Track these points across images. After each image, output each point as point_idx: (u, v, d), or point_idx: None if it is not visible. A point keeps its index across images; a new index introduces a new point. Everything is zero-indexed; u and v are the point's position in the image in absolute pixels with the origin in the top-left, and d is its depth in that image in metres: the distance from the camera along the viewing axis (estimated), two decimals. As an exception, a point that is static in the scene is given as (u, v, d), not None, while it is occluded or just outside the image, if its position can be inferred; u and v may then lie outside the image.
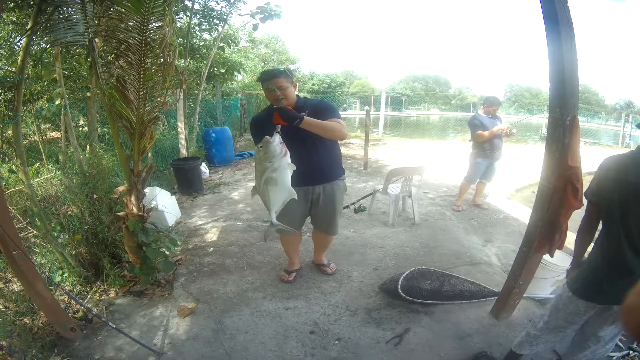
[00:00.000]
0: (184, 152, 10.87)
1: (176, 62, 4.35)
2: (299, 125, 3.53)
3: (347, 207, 6.88)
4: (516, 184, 10.67)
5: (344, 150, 4.19)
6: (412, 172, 7.09)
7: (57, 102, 6.23)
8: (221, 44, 13.42)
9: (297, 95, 4.07)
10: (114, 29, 4.13)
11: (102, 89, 4.31)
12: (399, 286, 4.50)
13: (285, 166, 3.29)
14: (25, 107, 7.13)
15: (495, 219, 7.62)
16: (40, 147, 6.54)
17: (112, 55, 4.40)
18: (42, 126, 8.80)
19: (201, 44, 13.90)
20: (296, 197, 3.51)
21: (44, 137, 10.70)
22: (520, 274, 4.07)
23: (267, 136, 3.19)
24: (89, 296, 4.77)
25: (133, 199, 4.78)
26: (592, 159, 12.99)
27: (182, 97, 10.92)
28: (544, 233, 3.77)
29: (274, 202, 3.41)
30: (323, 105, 4.12)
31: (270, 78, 3.87)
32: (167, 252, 5.11)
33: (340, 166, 4.50)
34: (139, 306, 4.66)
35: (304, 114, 3.64)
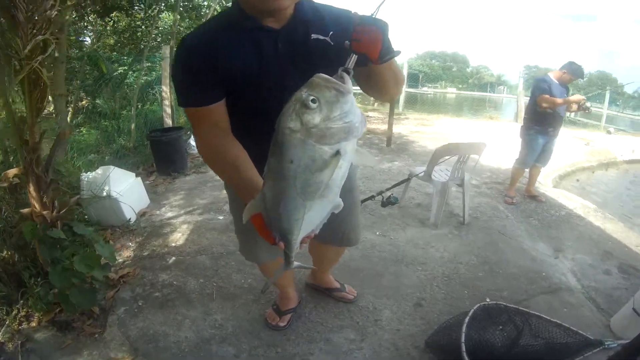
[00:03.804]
0: (169, 122, 9.23)
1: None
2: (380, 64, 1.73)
3: (372, 197, 5.11)
4: (557, 169, 9.24)
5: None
6: (468, 150, 5.34)
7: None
8: (224, 2, 11.81)
9: None
10: None
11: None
12: (463, 347, 2.83)
13: (353, 153, 1.55)
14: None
15: (557, 216, 6.10)
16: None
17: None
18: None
19: (204, 3, 12.36)
20: (338, 210, 1.73)
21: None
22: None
23: (326, 78, 1.38)
24: (7, 323, 3.44)
25: (32, 189, 3.22)
26: (626, 146, 12.43)
27: (168, 54, 9.17)
28: None
29: (309, 226, 1.71)
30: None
31: None
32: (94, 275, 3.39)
33: None
34: (60, 347, 3.24)
35: (325, 38, 1.97)
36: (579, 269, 4.61)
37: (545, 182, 7.87)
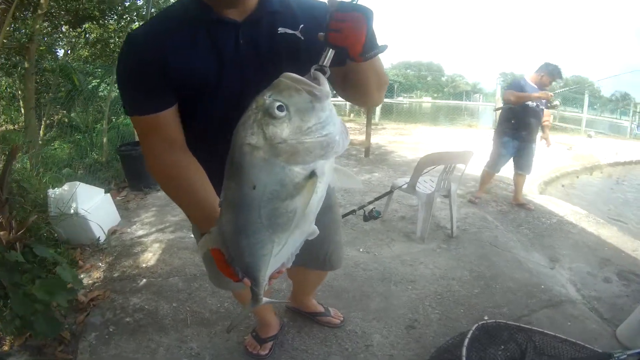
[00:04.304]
0: (140, 134, 8.83)
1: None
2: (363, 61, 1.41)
3: (353, 212, 4.82)
4: (542, 175, 9.24)
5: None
6: (455, 159, 5.09)
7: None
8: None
9: None
10: None
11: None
12: None
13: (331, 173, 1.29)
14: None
15: (548, 224, 5.98)
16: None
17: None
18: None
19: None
20: (313, 237, 1.48)
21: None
22: None
23: (296, 79, 1.11)
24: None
25: (-16, 206, 2.94)
26: (608, 149, 12.62)
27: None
28: None
29: (279, 260, 1.44)
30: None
31: None
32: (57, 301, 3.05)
33: None
34: None
35: (295, 32, 1.65)
36: (578, 278, 4.47)
37: (531, 189, 7.77)
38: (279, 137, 1.05)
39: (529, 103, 6.00)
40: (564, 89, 16.41)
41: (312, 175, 1.11)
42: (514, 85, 6.18)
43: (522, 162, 6.45)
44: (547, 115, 6.47)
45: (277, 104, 1.04)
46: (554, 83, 6.32)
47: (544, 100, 6.04)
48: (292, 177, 1.10)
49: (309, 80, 1.10)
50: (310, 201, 1.16)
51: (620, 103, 44.68)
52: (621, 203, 8.46)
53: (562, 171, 10.22)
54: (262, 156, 1.07)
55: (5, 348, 3.17)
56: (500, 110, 6.66)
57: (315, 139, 1.08)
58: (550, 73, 6.07)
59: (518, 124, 6.17)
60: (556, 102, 6.39)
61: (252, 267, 1.37)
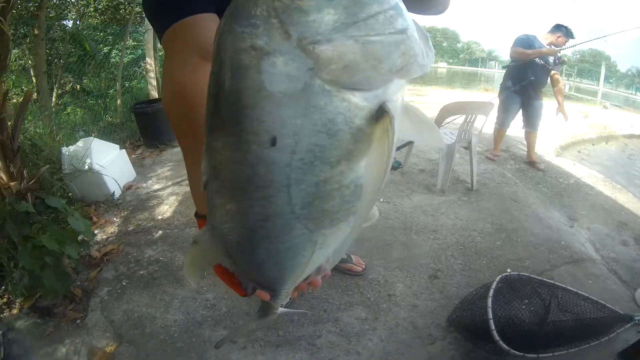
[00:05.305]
0: (154, 94, 8.88)
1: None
2: None
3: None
4: (558, 140, 9.12)
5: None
6: (476, 109, 4.91)
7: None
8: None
9: None
10: None
11: None
12: (492, 324, 2.46)
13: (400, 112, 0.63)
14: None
15: (566, 184, 6.04)
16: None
17: None
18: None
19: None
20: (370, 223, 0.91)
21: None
22: None
23: None
24: (-13, 312, 3.08)
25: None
26: (623, 121, 12.71)
27: (150, 27, 8.75)
28: None
29: (315, 262, 0.78)
30: None
31: None
32: (69, 254, 2.91)
33: None
34: (41, 336, 2.88)
35: None
36: (596, 239, 4.47)
37: (548, 152, 7.78)
38: (315, 28, 0.51)
39: (536, 59, 6.04)
40: (566, 47, 16.30)
41: (382, 112, 0.57)
42: (521, 42, 6.15)
43: (527, 119, 6.53)
44: (558, 79, 6.47)
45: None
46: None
47: (551, 58, 6.05)
48: (347, 116, 0.55)
49: None
50: (386, 164, 0.62)
51: (637, 79, 44.67)
52: (636, 173, 8.41)
53: (577, 138, 10.14)
54: (282, 72, 0.52)
55: (15, 311, 3.09)
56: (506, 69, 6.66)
57: (387, 35, 0.54)
58: (566, 34, 6.13)
59: (522, 80, 6.17)
60: (565, 59, 6.52)
61: (275, 280, 0.82)
